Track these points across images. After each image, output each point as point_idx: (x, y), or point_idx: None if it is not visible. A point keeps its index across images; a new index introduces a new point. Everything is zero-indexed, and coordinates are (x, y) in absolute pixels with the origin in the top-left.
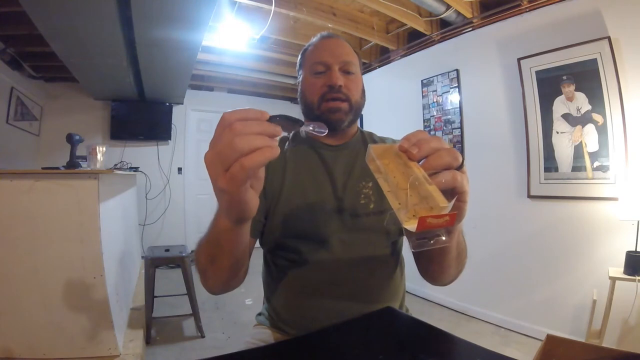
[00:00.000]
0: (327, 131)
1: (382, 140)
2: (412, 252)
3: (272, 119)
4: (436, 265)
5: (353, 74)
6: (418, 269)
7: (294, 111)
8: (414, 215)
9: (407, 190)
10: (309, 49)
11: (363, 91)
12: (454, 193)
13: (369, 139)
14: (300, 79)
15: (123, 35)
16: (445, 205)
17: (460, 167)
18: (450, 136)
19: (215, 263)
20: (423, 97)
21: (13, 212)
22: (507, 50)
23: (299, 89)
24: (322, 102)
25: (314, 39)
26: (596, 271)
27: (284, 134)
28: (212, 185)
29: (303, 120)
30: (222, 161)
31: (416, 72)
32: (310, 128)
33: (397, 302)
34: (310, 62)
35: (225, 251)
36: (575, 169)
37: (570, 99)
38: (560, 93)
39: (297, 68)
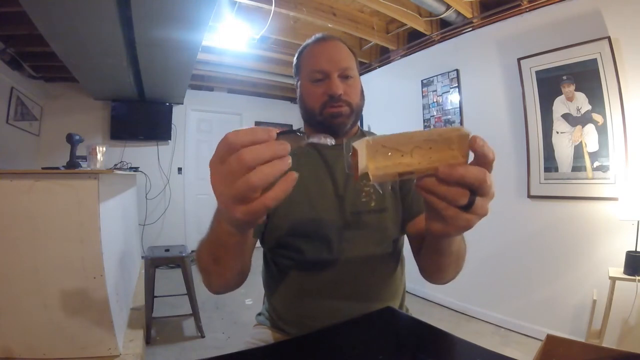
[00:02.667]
0: (334, 141)
1: None
2: (412, 250)
3: (279, 136)
4: (435, 265)
5: (352, 78)
6: (418, 266)
7: (294, 111)
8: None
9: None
10: (305, 53)
11: (362, 92)
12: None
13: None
14: (298, 84)
15: (123, 35)
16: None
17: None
18: None
19: (219, 263)
20: (423, 97)
21: (13, 212)
22: (507, 50)
23: (297, 93)
24: (324, 109)
25: (309, 41)
26: (596, 271)
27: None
28: (219, 205)
29: (303, 129)
30: (236, 195)
31: (416, 72)
32: (316, 140)
33: (397, 301)
34: (308, 68)
35: (229, 252)
36: (575, 169)
37: (570, 99)
38: (560, 93)
39: (293, 70)
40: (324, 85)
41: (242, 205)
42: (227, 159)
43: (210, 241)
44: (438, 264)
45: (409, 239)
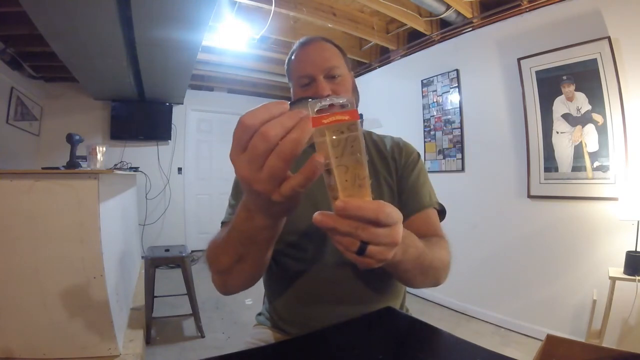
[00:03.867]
0: (347, 102)
1: (381, 139)
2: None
3: (292, 107)
4: (396, 275)
5: (339, 77)
6: None
7: None
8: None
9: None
10: (292, 60)
11: (354, 88)
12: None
13: (367, 138)
14: (291, 90)
15: (123, 35)
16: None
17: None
18: (450, 136)
19: (244, 261)
20: (423, 97)
21: (13, 212)
22: (507, 50)
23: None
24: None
25: (294, 47)
26: (596, 271)
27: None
28: (252, 197)
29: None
30: (271, 175)
31: (416, 72)
32: (329, 100)
33: (397, 302)
34: (296, 75)
35: (260, 247)
36: (575, 169)
37: (570, 99)
38: (560, 93)
39: (287, 78)
40: (311, 89)
41: (278, 187)
42: (250, 143)
43: (235, 240)
44: (396, 276)
45: None
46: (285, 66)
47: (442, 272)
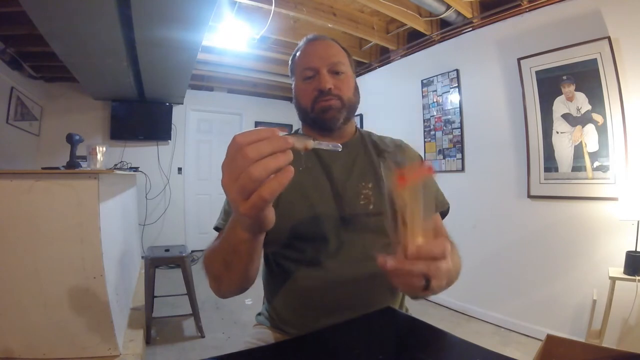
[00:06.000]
0: (341, 147)
1: (381, 139)
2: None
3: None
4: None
5: (343, 74)
6: None
7: (294, 111)
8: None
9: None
10: (297, 55)
11: (356, 89)
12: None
13: (367, 138)
14: (293, 86)
15: (123, 35)
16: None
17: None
18: (450, 136)
19: (231, 269)
20: (423, 97)
21: (13, 212)
22: (507, 50)
23: (293, 95)
24: (315, 105)
25: (301, 43)
26: (596, 271)
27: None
28: (232, 207)
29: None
30: (240, 191)
31: (416, 72)
32: (325, 144)
33: (397, 302)
34: (300, 68)
35: (243, 258)
36: (575, 169)
37: (570, 99)
38: (560, 93)
39: (289, 74)
40: (314, 81)
41: (245, 200)
42: (235, 157)
43: (223, 248)
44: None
45: None
46: (290, 61)
47: (457, 277)
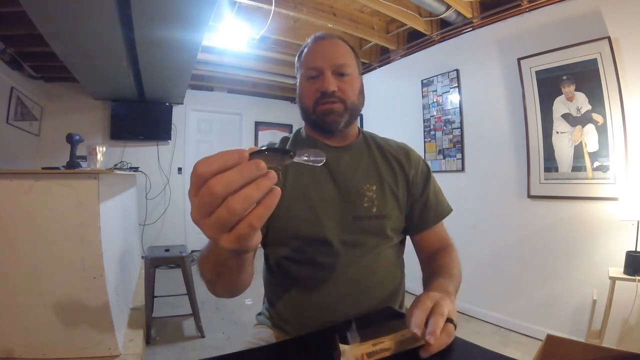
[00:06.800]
0: (324, 160)
1: (386, 141)
2: (418, 257)
3: (256, 154)
4: None
5: (348, 76)
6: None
7: (294, 111)
8: None
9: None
10: (304, 52)
11: (361, 91)
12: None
13: (371, 140)
14: (297, 83)
15: (123, 35)
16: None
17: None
18: (450, 136)
19: (222, 279)
20: (423, 97)
21: (13, 212)
22: (507, 50)
23: (296, 93)
24: (316, 107)
25: (308, 40)
26: (596, 271)
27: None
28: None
29: (291, 148)
30: (217, 226)
31: (416, 72)
32: (305, 158)
33: (397, 302)
34: (305, 66)
35: (233, 270)
36: (575, 169)
37: (570, 99)
38: (560, 93)
39: (295, 71)
40: (318, 82)
41: (227, 234)
42: (199, 191)
43: (212, 261)
44: None
45: (415, 248)
46: (296, 58)
47: (459, 278)
